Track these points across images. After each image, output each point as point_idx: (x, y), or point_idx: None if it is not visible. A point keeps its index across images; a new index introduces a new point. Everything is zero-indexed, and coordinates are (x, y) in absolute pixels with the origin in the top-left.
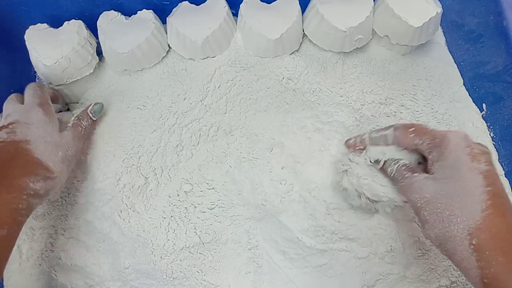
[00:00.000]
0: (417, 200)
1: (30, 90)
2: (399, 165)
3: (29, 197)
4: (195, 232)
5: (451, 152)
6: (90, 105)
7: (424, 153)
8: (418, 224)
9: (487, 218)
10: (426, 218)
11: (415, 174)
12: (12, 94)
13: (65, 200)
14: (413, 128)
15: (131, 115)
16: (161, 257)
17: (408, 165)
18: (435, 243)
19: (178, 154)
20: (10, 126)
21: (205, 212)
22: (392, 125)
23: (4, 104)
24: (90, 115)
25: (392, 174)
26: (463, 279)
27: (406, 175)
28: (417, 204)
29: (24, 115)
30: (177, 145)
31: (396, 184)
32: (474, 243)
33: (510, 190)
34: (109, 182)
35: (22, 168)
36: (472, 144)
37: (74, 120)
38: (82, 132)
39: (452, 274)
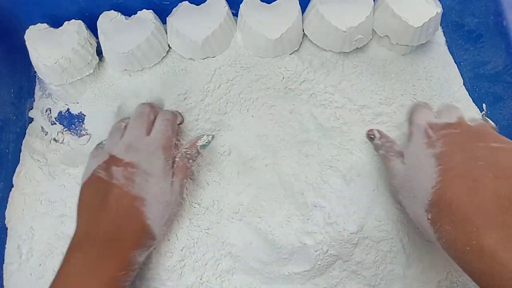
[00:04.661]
0: (394, 183)
1: (162, 120)
2: (385, 147)
3: (133, 272)
4: (196, 229)
5: (413, 143)
6: (201, 137)
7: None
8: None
9: (436, 193)
10: (400, 200)
11: (394, 158)
12: (141, 107)
13: (65, 201)
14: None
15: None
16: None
17: (394, 147)
18: (415, 224)
19: None
20: (129, 170)
21: (205, 212)
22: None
23: (127, 121)
24: (200, 150)
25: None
26: (463, 279)
27: (390, 158)
28: (395, 187)
29: (146, 159)
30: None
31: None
32: (429, 217)
33: None
34: None
35: (134, 239)
36: (431, 134)
37: (182, 160)
38: (189, 178)
39: (452, 274)
